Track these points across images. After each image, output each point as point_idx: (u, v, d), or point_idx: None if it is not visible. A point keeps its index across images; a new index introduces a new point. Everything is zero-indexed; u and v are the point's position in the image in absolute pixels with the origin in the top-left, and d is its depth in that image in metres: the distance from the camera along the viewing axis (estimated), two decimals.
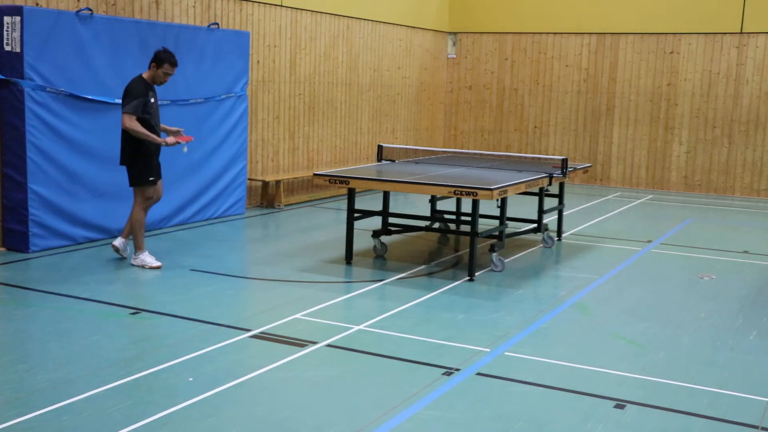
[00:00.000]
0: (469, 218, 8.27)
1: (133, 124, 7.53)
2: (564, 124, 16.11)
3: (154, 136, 7.63)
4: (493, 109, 16.70)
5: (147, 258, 7.84)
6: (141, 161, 7.71)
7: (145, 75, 7.76)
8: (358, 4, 13.80)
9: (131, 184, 7.84)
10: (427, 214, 9.84)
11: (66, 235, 8.60)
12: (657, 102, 15.35)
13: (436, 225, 9.92)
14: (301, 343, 5.77)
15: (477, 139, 16.84)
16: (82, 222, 8.74)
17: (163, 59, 7.68)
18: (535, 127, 16.35)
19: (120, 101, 9.05)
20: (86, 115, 8.72)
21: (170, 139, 7.75)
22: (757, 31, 14.51)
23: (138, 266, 7.82)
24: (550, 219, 10.43)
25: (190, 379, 5.07)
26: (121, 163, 7.81)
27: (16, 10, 8.04)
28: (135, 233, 7.85)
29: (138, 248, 7.87)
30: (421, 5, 15.92)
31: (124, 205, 9.13)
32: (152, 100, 7.71)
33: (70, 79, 8.51)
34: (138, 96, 7.57)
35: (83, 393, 4.75)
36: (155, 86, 7.86)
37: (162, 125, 8.11)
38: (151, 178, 7.78)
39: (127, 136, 7.67)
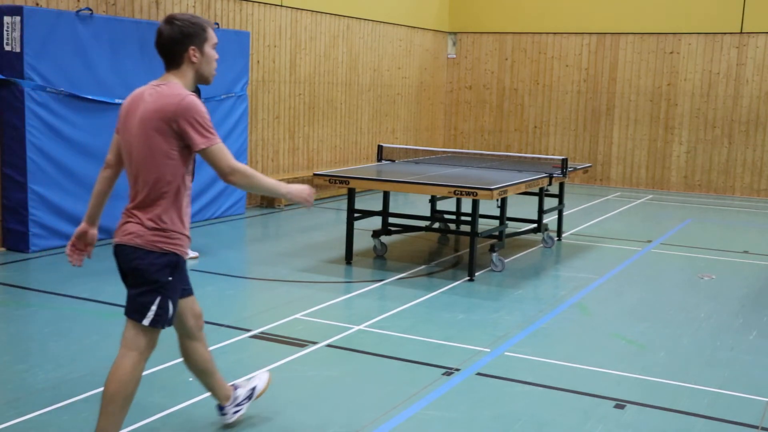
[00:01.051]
0: (469, 218, 8.27)
1: None
2: (564, 124, 16.11)
3: None
4: (493, 109, 16.70)
5: None
6: None
7: None
8: (358, 4, 13.80)
9: None
10: (427, 214, 9.84)
11: (66, 235, 8.58)
12: (657, 102, 15.35)
13: (436, 225, 9.91)
14: (301, 343, 5.77)
15: (477, 139, 16.84)
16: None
17: None
18: (535, 127, 16.35)
19: (122, 101, 9.09)
20: (86, 115, 8.72)
21: None
22: (757, 31, 14.51)
23: None
24: (550, 219, 10.43)
25: (190, 379, 5.06)
26: None
27: (16, 10, 8.04)
28: None
29: None
30: (421, 5, 15.92)
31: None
32: None
33: (70, 79, 8.51)
34: None
35: (83, 393, 4.75)
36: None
37: None
38: None
39: None
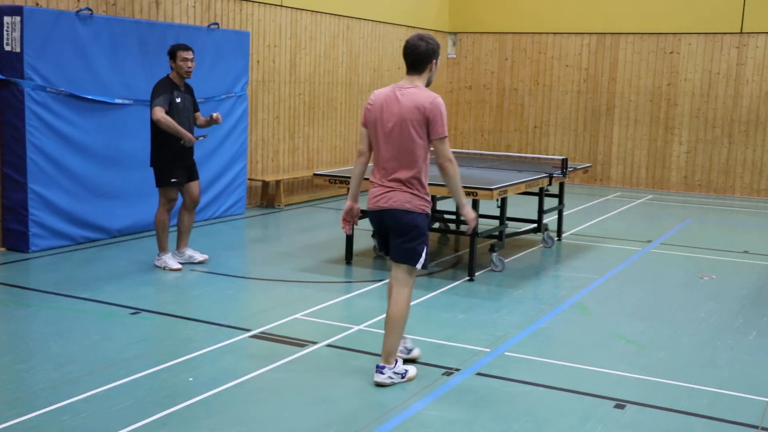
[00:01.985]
0: None
1: (163, 115, 7.46)
2: (564, 124, 16.11)
3: (183, 130, 7.56)
4: (493, 109, 16.70)
5: (169, 260, 7.82)
6: (162, 162, 7.70)
7: (170, 75, 7.76)
8: (358, 4, 13.81)
9: (155, 184, 7.85)
10: None
11: (66, 235, 8.60)
12: (657, 102, 15.35)
13: (436, 225, 9.91)
14: (301, 343, 5.77)
15: (477, 139, 16.84)
16: (82, 222, 8.74)
17: (173, 50, 7.70)
18: (535, 127, 16.35)
19: (122, 101, 9.10)
20: (86, 115, 8.73)
21: (190, 138, 7.69)
22: (757, 31, 14.51)
23: (159, 267, 7.82)
24: (550, 219, 10.43)
25: (190, 379, 5.07)
26: (150, 165, 7.81)
27: (16, 10, 8.04)
28: (157, 234, 7.86)
29: (161, 249, 7.87)
30: (421, 5, 15.92)
31: (124, 205, 9.15)
32: (178, 99, 7.66)
33: (70, 79, 8.51)
34: (163, 92, 7.56)
35: (83, 393, 4.75)
36: (188, 81, 7.87)
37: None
38: (173, 180, 7.74)
39: (152, 136, 7.67)
